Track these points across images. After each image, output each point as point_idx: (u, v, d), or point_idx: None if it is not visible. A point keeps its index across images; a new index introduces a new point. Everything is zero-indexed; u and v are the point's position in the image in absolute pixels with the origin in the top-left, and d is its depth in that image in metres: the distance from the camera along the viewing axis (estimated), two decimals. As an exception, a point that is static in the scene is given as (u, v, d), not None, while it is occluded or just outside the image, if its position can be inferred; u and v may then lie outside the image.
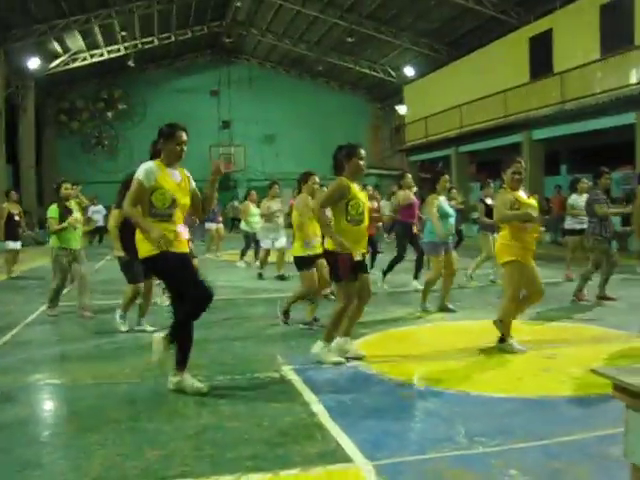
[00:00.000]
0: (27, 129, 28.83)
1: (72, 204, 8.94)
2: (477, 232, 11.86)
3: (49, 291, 8.82)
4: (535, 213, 6.31)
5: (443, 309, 8.59)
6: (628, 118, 18.23)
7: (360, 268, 5.93)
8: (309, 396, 4.90)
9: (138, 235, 5.02)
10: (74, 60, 30.23)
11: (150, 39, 31.61)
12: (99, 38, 29.38)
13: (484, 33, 26.02)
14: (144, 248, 4.97)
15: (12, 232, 13.59)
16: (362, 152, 5.96)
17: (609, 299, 9.01)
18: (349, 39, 30.08)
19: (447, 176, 8.90)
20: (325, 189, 7.52)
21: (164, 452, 3.82)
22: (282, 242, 12.80)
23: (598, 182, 9.26)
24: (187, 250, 5.24)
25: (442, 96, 27.91)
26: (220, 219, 18.06)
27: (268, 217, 12.75)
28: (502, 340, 6.29)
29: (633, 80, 18.19)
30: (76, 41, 28.67)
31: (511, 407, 4.61)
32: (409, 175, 11.43)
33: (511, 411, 4.52)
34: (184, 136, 5.10)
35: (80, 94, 36.13)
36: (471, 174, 29.14)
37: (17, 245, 13.80)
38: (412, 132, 31.64)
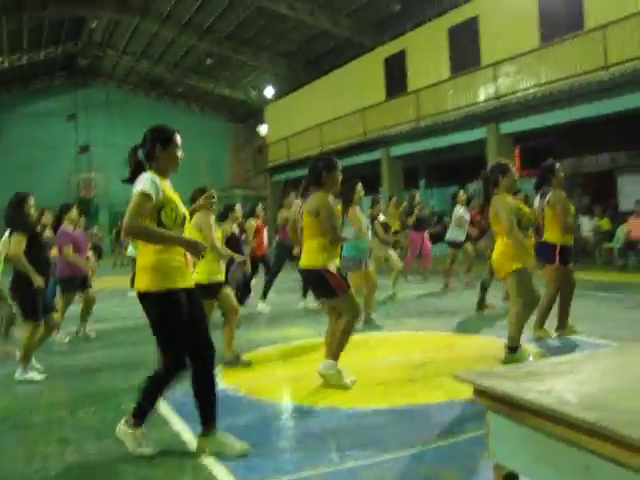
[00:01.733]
0: None
1: None
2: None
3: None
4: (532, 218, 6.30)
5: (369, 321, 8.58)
6: (479, 133, 19.20)
7: None
8: (179, 424, 4.76)
9: (142, 262, 4.03)
10: None
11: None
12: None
13: (341, 53, 26.74)
14: (146, 280, 3.98)
15: None
16: (340, 165, 5.75)
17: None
18: (208, 60, 30.01)
19: (360, 184, 8.35)
20: None
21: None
22: None
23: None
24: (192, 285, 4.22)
25: (302, 115, 28.33)
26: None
27: None
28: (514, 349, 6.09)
29: (481, 98, 19.18)
30: None
31: (381, 419, 4.67)
32: (292, 194, 11.05)
33: (381, 422, 4.58)
34: (179, 140, 4.26)
35: None
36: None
37: None
38: (274, 152, 31.86)
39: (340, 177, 5.72)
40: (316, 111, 27.27)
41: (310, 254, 5.57)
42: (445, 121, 19.97)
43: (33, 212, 6.72)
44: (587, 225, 16.85)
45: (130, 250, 14.30)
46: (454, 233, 11.88)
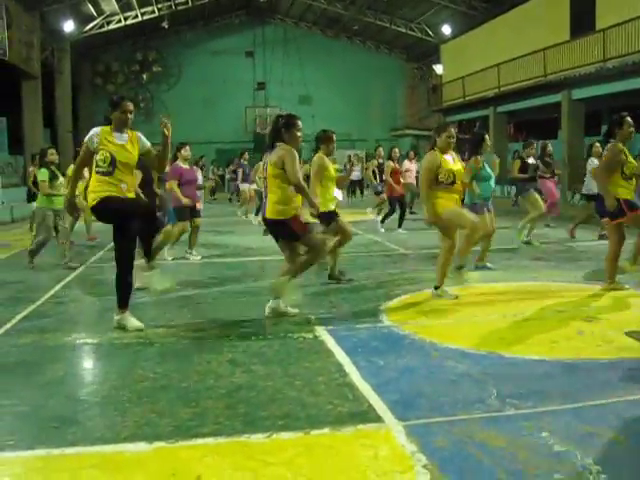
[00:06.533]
0: (64, 92, 29.03)
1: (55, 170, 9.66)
2: (522, 194, 11.68)
3: (34, 244, 9.54)
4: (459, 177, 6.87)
5: (480, 267, 8.72)
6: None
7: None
8: (342, 356, 4.91)
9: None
10: (108, 23, 30.28)
11: (184, 0, 31.45)
12: (133, 0, 29.34)
13: (524, -11, 25.40)
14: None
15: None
16: (300, 124, 6.20)
17: None
18: (385, -4, 29.64)
19: (487, 136, 8.87)
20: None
21: (197, 410, 3.87)
22: None
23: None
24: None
25: (480, 55, 27.42)
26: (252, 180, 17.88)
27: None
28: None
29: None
30: (110, 3, 28.66)
31: (545, 370, 4.56)
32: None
33: (545, 374, 4.48)
34: (129, 106, 5.76)
35: (115, 57, 36.20)
36: (509, 134, 28.70)
37: None
38: (449, 92, 31.21)
39: (300, 135, 6.18)
40: (494, 50, 26.26)
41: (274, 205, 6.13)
42: (635, 62, 18.58)
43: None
44: None
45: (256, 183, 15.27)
46: (588, 185, 11.40)
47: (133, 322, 5.79)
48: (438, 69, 33.13)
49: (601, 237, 11.47)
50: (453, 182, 6.76)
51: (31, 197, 14.02)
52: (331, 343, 5.29)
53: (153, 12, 31.12)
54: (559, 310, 6.31)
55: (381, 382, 4.29)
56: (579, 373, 4.51)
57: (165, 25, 31.25)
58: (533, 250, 10.56)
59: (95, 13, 28.94)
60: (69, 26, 27.41)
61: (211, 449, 3.38)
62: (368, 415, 3.76)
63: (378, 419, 3.70)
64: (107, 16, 29.80)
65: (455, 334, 5.56)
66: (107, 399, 4.13)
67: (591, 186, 11.28)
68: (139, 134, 5.91)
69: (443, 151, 6.81)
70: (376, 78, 37.08)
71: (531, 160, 11.41)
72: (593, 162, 11.12)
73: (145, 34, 34.55)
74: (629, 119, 7.08)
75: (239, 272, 9.14)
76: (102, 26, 30.09)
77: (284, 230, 6.13)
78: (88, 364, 5.18)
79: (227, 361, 4.87)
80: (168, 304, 6.96)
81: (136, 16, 30.96)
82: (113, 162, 5.59)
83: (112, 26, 30.55)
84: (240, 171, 18.52)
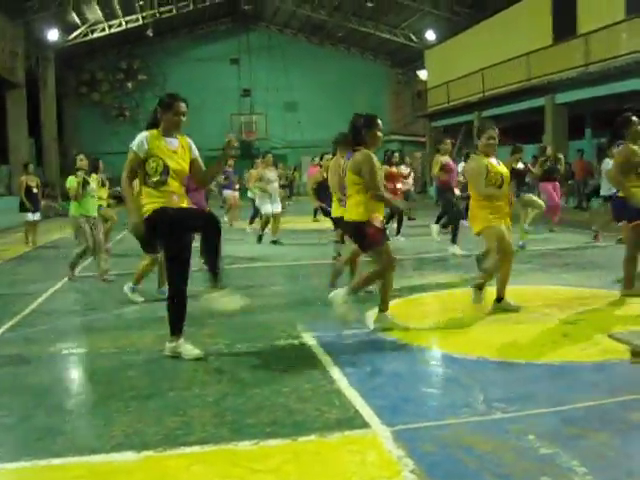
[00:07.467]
0: (48, 101, 28.90)
1: (89, 176, 9.32)
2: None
3: (73, 256, 9.18)
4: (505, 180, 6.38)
5: None
6: (655, 80, 17.87)
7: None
8: (329, 363, 4.91)
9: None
10: (93, 31, 30.22)
11: (168, 8, 31.55)
12: (117, 8, 29.29)
13: (506, -5, 25.54)
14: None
15: (30, 204, 13.86)
16: (380, 123, 5.84)
17: None
18: (369, 3, 29.70)
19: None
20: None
21: (184, 419, 3.86)
22: (277, 208, 13.18)
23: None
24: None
25: (464, 60, 27.52)
26: (237, 187, 17.77)
27: (262, 185, 13.09)
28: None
29: (660, 41, 17.79)
30: (94, 12, 28.61)
31: (531, 373, 4.59)
32: (447, 141, 11.84)
33: (531, 377, 4.50)
34: (183, 107, 5.34)
35: (99, 65, 36.10)
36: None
37: (35, 216, 14.06)
38: (434, 97, 31.30)
39: (381, 135, 5.81)
40: (478, 55, 26.36)
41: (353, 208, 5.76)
42: (617, 66, 18.72)
43: None
44: None
45: (249, 191, 15.24)
46: (606, 187, 11.36)
47: (190, 350, 5.17)
48: (422, 75, 33.25)
49: (619, 241, 11.37)
50: (500, 185, 6.35)
51: (22, 207, 14.02)
52: (318, 350, 5.29)
53: (137, 20, 31.08)
54: (545, 314, 6.34)
55: (368, 388, 4.30)
56: (565, 376, 4.53)
57: (150, 33, 31.19)
58: (520, 254, 10.59)
59: (79, 22, 28.87)
60: (53, 35, 27.30)
61: (198, 457, 3.37)
62: (355, 421, 3.76)
63: (365, 425, 3.70)
64: (91, 25, 29.75)
65: (442, 339, 5.59)
66: (94, 409, 4.12)
67: (609, 187, 11.16)
68: (189, 140, 5.46)
69: (487, 155, 6.39)
70: (361, 84, 37.14)
71: (520, 165, 11.37)
72: (608, 164, 10.94)
73: (130, 42, 34.48)
74: (635, 118, 6.83)
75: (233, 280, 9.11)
76: (86, 35, 30.03)
77: (357, 232, 5.85)
78: (74, 374, 5.16)
79: (214, 369, 4.87)
80: (152, 315, 6.89)
81: (120, 24, 30.93)
82: (166, 170, 5.05)
83: (96, 35, 30.50)
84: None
